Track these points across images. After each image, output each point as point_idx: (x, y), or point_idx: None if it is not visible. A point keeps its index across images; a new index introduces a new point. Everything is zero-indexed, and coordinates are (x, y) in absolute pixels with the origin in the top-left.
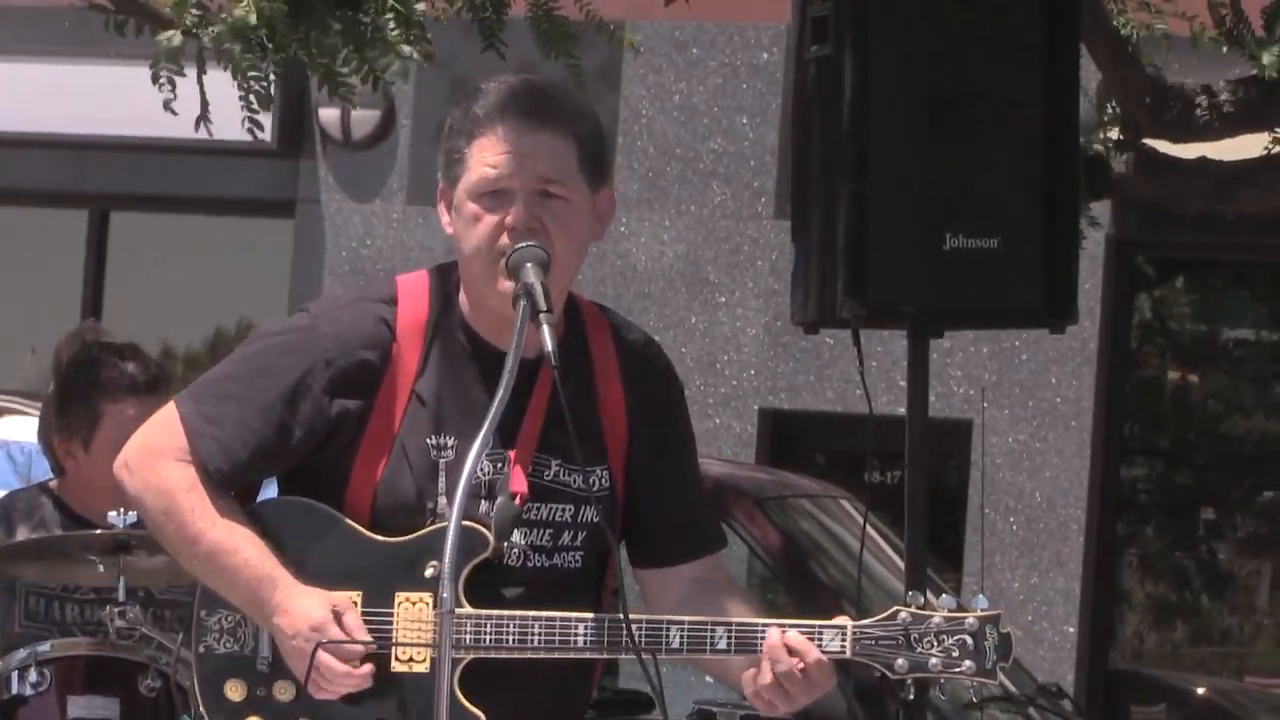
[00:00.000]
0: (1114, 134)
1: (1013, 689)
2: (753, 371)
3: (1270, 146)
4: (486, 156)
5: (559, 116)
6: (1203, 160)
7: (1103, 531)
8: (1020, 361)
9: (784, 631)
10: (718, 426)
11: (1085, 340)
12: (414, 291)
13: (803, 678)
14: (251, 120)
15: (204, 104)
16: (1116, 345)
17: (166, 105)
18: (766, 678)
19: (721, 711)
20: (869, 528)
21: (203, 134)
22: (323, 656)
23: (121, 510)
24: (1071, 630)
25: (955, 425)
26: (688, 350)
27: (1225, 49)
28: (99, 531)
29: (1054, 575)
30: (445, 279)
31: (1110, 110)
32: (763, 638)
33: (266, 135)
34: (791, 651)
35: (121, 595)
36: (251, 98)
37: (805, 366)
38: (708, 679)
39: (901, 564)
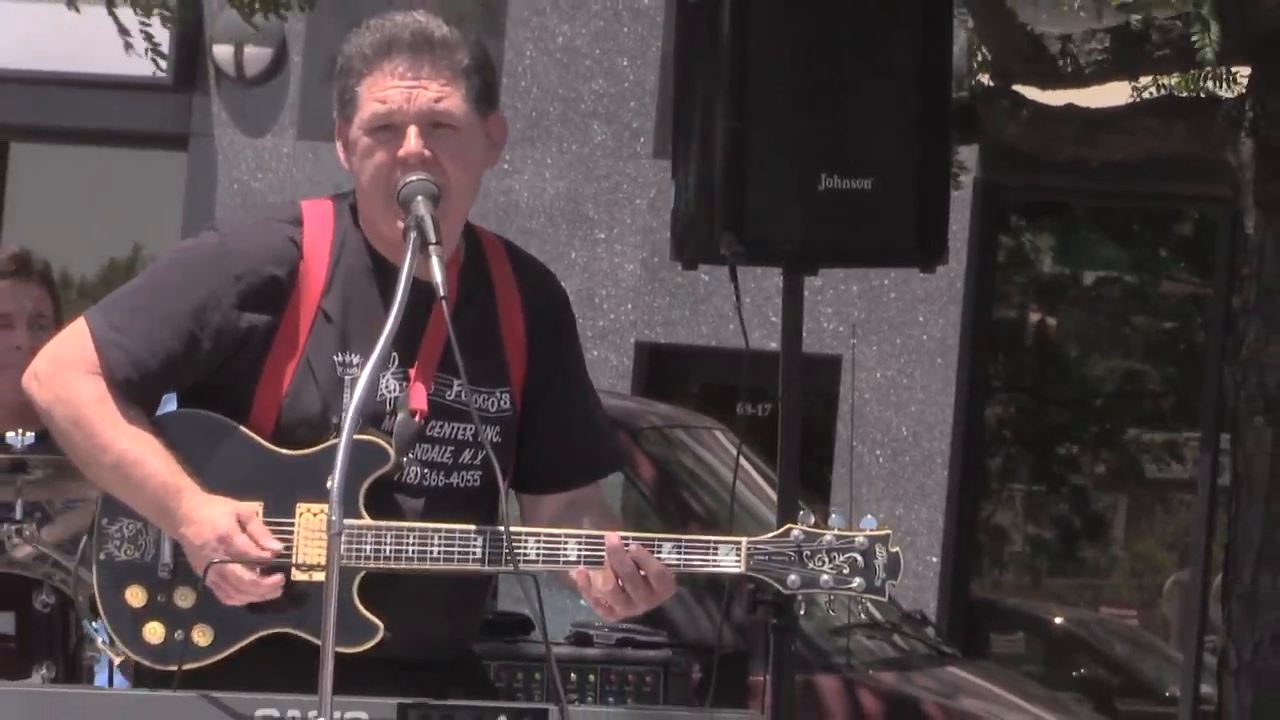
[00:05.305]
0: (985, 81)
1: (878, 616)
2: (630, 306)
3: (1136, 94)
4: (376, 92)
5: (443, 49)
6: (1070, 107)
7: (966, 465)
8: (889, 300)
9: (625, 541)
10: (595, 359)
11: (951, 280)
12: (319, 214)
13: (644, 583)
14: (154, 52)
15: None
16: (981, 285)
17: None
18: (609, 583)
19: (597, 633)
20: (742, 458)
21: (100, 69)
22: (231, 565)
23: (19, 431)
24: (935, 560)
25: (825, 361)
26: (567, 284)
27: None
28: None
29: (918, 507)
30: (348, 204)
31: (981, 58)
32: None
33: (164, 71)
34: (635, 562)
35: (19, 514)
36: (151, 30)
37: (681, 301)
38: (583, 602)
39: (773, 494)
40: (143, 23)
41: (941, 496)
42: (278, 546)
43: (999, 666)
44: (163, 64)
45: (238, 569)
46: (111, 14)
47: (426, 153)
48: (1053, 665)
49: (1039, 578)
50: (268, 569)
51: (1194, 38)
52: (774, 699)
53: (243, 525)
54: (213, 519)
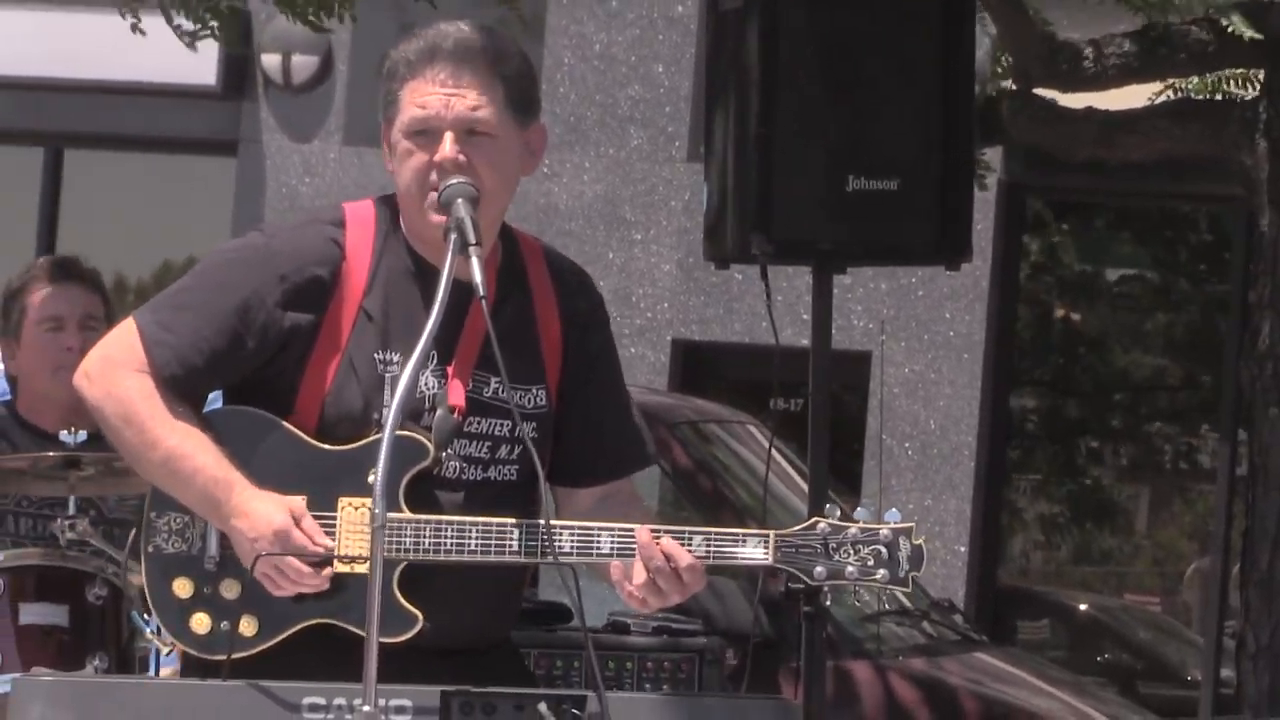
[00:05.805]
0: (1007, 84)
1: (908, 604)
2: (666, 304)
3: (1153, 97)
4: (416, 98)
5: (484, 58)
6: (1089, 109)
7: (992, 457)
8: (916, 297)
9: (656, 536)
10: (633, 356)
11: (977, 278)
12: (361, 216)
13: (675, 576)
14: (214, 37)
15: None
16: (1006, 282)
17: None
18: (641, 576)
19: (634, 622)
20: (774, 451)
21: (153, 77)
22: (287, 558)
23: (72, 429)
24: (963, 549)
25: (855, 357)
26: (605, 284)
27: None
28: (51, 453)
29: (946, 498)
30: (389, 205)
31: (1003, 62)
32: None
33: (212, 78)
34: (666, 556)
35: (71, 509)
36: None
37: (715, 300)
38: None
39: (804, 486)
40: (198, 24)
41: (969, 487)
42: (330, 544)
43: (1025, 652)
44: (217, 29)
45: (294, 561)
46: (167, 16)
47: (461, 158)
48: (1077, 650)
49: (1063, 566)
50: (318, 563)
51: (1227, 26)
52: (806, 684)
53: (296, 521)
54: (268, 513)
